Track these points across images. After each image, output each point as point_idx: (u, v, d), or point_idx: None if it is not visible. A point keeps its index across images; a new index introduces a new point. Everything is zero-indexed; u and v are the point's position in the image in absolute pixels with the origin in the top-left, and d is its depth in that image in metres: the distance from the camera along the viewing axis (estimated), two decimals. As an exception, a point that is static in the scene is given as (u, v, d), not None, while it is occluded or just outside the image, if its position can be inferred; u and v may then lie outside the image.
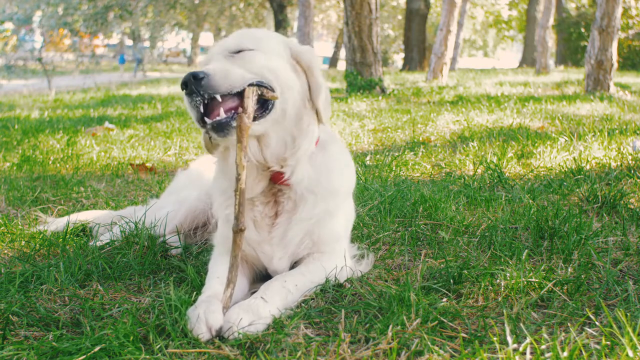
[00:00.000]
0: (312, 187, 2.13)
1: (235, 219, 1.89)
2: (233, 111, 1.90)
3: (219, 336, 1.80)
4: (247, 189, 2.00)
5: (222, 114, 1.88)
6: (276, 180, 2.11)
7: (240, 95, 1.91)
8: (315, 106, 2.10)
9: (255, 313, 1.85)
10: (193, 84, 1.86)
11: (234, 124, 1.86)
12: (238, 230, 1.89)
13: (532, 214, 2.96)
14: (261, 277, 2.30)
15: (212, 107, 1.91)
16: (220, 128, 1.87)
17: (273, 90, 1.96)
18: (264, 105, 1.96)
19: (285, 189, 2.13)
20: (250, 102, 1.87)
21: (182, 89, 1.89)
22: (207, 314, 1.79)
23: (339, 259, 2.24)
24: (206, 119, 1.89)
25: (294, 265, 2.26)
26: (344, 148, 2.35)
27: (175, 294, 1.98)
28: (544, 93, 11.55)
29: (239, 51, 2.02)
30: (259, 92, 1.91)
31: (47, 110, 10.44)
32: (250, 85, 1.91)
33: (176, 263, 2.51)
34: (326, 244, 2.22)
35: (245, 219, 1.96)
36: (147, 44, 37.04)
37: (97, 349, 1.68)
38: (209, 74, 1.88)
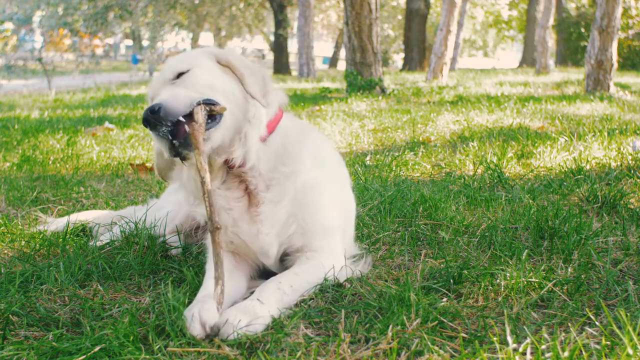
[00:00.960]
0: (272, 165, 2.20)
1: (209, 219, 1.96)
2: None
3: (216, 335, 1.80)
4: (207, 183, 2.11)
5: (188, 129, 1.97)
6: (232, 167, 2.17)
7: (192, 115, 1.99)
8: (250, 94, 2.16)
9: (253, 314, 1.86)
10: (153, 117, 1.94)
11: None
12: (214, 230, 1.95)
13: (532, 214, 2.96)
14: (259, 273, 2.30)
15: (175, 134, 1.99)
16: (188, 142, 1.96)
17: (218, 104, 2.05)
18: (214, 118, 2.04)
19: (246, 170, 2.19)
20: (200, 116, 1.98)
21: (146, 126, 1.98)
22: (201, 312, 1.82)
23: (334, 258, 2.24)
24: (174, 141, 1.97)
25: (285, 263, 2.26)
26: (309, 128, 2.42)
27: (174, 294, 1.98)
28: (544, 93, 11.55)
29: (178, 75, 2.13)
30: (207, 109, 2.01)
31: (47, 110, 10.44)
32: (198, 104, 2.00)
33: (175, 265, 2.52)
34: (316, 236, 2.22)
35: (218, 210, 2.09)
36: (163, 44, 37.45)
37: (97, 349, 1.68)
38: (162, 103, 1.97)
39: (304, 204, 2.20)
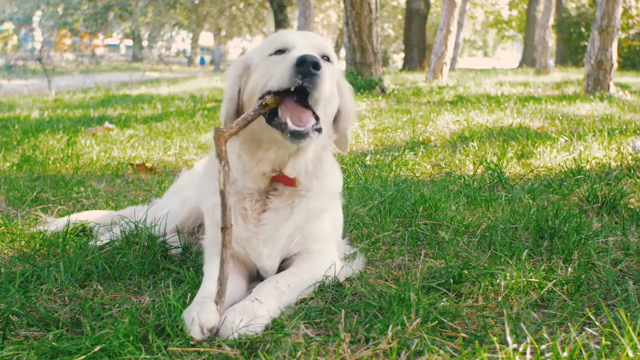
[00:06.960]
0: (310, 187, 2.20)
1: (221, 218, 1.92)
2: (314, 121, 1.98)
3: (214, 337, 1.80)
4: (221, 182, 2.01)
5: (310, 122, 1.94)
6: (279, 180, 2.16)
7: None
8: (343, 132, 2.23)
9: (252, 314, 1.86)
10: (309, 72, 1.87)
11: (313, 136, 1.95)
12: (224, 229, 1.91)
13: (532, 214, 2.96)
14: (257, 276, 2.30)
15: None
16: (302, 136, 1.92)
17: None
18: (317, 123, 2.00)
19: (280, 186, 2.18)
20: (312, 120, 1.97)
21: (301, 63, 1.87)
22: (199, 315, 1.81)
23: (330, 258, 2.26)
24: (290, 123, 1.92)
25: (283, 265, 2.27)
26: (331, 153, 2.45)
27: (174, 295, 1.98)
28: (544, 93, 11.54)
29: (324, 56, 2.11)
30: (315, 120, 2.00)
31: (47, 110, 10.43)
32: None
33: (175, 265, 2.51)
34: (315, 242, 2.25)
35: (234, 213, 2.06)
36: (221, 45, 38.22)
37: (97, 349, 1.68)
38: (322, 73, 1.90)
39: (313, 220, 2.23)
